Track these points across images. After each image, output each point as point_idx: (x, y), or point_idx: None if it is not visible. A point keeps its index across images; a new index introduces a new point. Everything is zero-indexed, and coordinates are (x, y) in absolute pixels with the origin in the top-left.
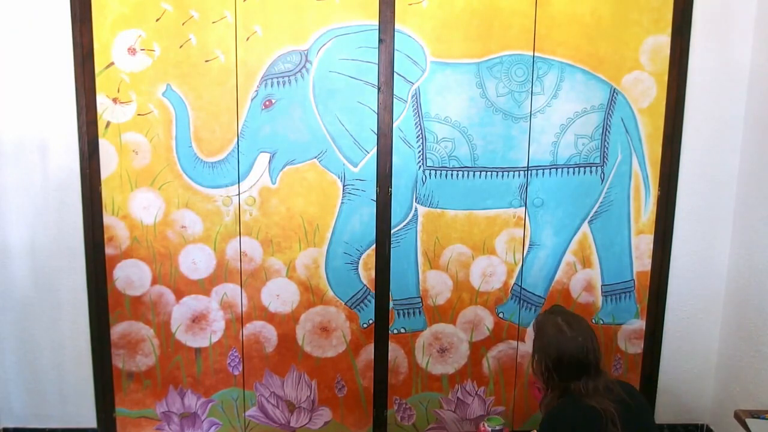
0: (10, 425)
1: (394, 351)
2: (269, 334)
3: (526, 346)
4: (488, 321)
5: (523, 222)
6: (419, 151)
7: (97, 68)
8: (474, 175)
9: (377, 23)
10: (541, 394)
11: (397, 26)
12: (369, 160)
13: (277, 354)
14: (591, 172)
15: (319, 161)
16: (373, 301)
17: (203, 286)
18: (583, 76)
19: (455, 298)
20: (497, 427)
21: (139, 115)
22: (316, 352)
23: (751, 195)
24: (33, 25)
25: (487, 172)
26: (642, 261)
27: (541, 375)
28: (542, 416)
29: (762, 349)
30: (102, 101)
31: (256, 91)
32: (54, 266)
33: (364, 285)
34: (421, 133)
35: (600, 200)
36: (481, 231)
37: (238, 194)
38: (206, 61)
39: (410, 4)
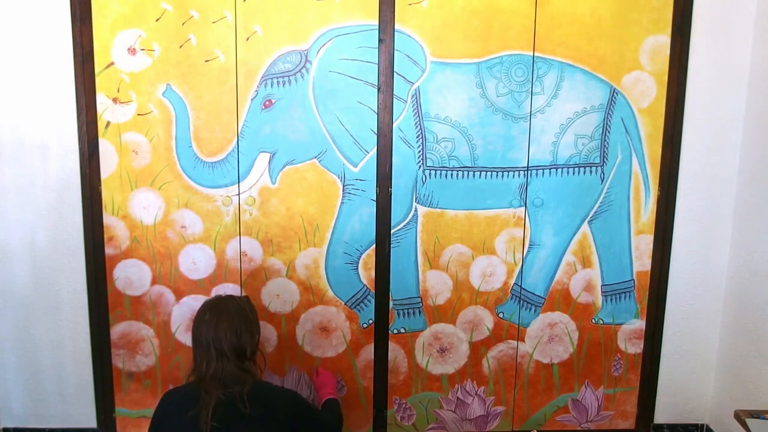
0: (10, 425)
1: (394, 351)
2: (269, 334)
3: (527, 346)
4: (488, 321)
5: (523, 222)
6: (419, 151)
7: (97, 68)
8: (474, 175)
9: (377, 23)
10: None
11: (397, 26)
12: (369, 160)
13: (277, 354)
14: (591, 172)
15: (319, 161)
16: (373, 301)
17: (203, 286)
18: (583, 76)
19: (455, 298)
20: None
21: (139, 115)
22: (316, 352)
23: (751, 195)
24: (33, 25)
25: (487, 172)
26: (642, 261)
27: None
28: None
29: (762, 349)
30: (102, 101)
31: (256, 91)
32: (54, 266)
33: (364, 285)
34: (421, 133)
35: (600, 200)
36: (481, 231)
37: (238, 194)
38: (206, 61)
39: (410, 4)
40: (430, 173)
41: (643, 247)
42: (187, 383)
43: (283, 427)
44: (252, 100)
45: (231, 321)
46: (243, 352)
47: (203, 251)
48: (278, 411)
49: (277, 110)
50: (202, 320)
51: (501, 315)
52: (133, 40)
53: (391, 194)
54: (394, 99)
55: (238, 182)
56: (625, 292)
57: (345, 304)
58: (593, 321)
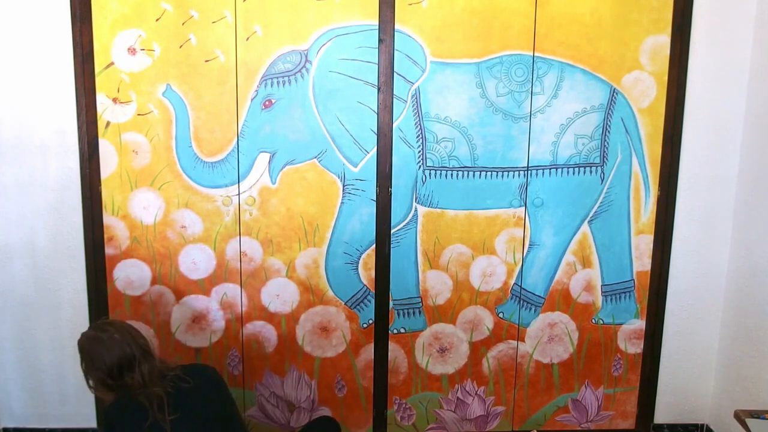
0: (10, 425)
1: (394, 351)
2: (269, 334)
3: (527, 346)
4: (488, 321)
5: (523, 222)
6: (419, 151)
7: (97, 68)
8: (474, 175)
9: (377, 23)
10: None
11: (397, 26)
12: (369, 160)
13: (277, 354)
14: (591, 172)
15: (319, 161)
16: (373, 301)
17: (203, 286)
18: (583, 76)
19: (455, 298)
20: None
21: (139, 115)
22: (316, 352)
23: (751, 195)
24: (33, 25)
25: (487, 172)
26: (642, 261)
27: (105, 389)
28: None
29: (762, 349)
30: (102, 101)
31: (256, 91)
32: (54, 266)
33: (364, 285)
34: (421, 133)
35: (600, 200)
36: (481, 231)
37: (238, 194)
38: (206, 61)
39: (410, 4)
40: (430, 173)
41: (643, 247)
42: (118, 399)
43: (221, 388)
44: (252, 100)
45: (126, 328)
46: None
47: (203, 251)
48: (213, 376)
49: (277, 110)
50: (112, 341)
51: (501, 315)
52: (133, 40)
53: (391, 194)
54: (394, 99)
55: (238, 182)
56: (625, 292)
57: (345, 304)
58: (593, 321)
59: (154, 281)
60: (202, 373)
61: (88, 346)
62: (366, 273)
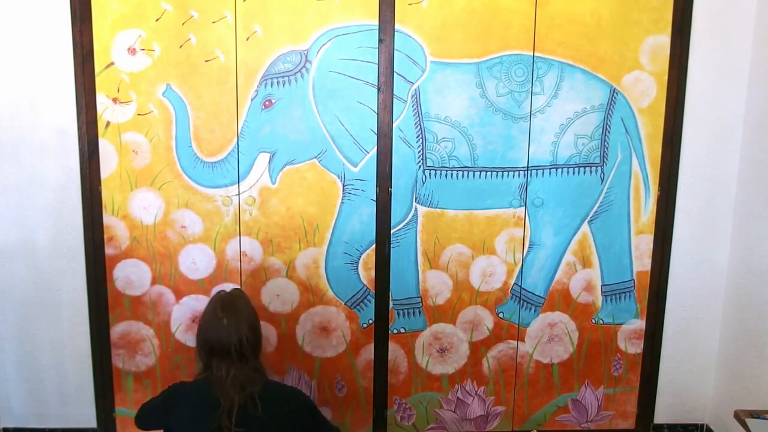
0: (10, 425)
1: (394, 351)
2: (269, 334)
3: (527, 346)
4: (488, 321)
5: (523, 222)
6: (419, 151)
7: (97, 68)
8: (474, 175)
9: (377, 23)
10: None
11: (397, 26)
12: (369, 160)
13: (277, 354)
14: (591, 172)
15: (319, 161)
16: (372, 301)
17: (203, 286)
18: (583, 76)
19: (455, 298)
20: None
21: (139, 115)
22: (316, 352)
23: (751, 195)
24: (33, 25)
25: (487, 172)
26: (642, 261)
27: (198, 357)
28: None
29: (762, 349)
30: (102, 101)
31: (256, 91)
32: (54, 266)
33: (364, 285)
34: (421, 133)
35: (600, 200)
36: (481, 231)
37: (238, 194)
38: (206, 61)
39: (410, 4)
40: (430, 173)
41: (643, 247)
42: (195, 381)
43: (295, 427)
44: (252, 100)
45: (249, 320)
46: (259, 350)
47: (203, 251)
48: (289, 411)
49: (277, 110)
50: (220, 324)
51: (501, 315)
52: (133, 40)
53: (391, 194)
54: (394, 99)
55: (238, 182)
56: (625, 292)
57: (345, 304)
58: (593, 321)
59: (154, 281)
60: (282, 400)
61: (206, 313)
62: (366, 273)
